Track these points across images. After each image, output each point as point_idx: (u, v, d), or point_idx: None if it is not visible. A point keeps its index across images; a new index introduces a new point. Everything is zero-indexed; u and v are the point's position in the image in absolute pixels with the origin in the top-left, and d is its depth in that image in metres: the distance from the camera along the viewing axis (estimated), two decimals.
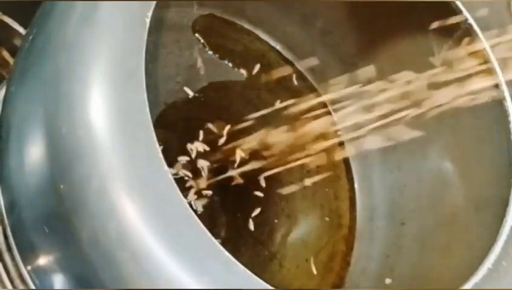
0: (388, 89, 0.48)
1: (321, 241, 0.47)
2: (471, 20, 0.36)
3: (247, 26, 0.50)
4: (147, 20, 0.28)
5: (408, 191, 0.46)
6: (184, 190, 0.44)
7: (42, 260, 0.27)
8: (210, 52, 0.48)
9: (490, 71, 0.36)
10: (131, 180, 0.25)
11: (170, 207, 0.26)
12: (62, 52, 0.28)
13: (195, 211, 0.43)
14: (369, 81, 0.49)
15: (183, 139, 0.45)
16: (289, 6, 0.48)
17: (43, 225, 0.27)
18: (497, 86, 0.36)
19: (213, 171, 0.46)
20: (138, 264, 0.25)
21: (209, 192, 0.45)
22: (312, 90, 0.51)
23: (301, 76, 0.51)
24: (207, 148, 0.45)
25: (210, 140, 0.46)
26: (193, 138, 0.46)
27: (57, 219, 0.26)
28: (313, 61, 0.51)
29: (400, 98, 0.47)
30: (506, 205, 0.34)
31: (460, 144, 0.42)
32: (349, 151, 0.51)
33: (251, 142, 0.47)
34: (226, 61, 0.49)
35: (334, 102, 0.51)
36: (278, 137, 0.48)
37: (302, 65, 0.51)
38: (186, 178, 0.44)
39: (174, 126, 0.45)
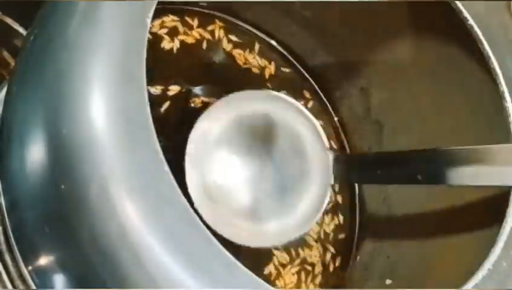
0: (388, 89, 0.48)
1: (321, 242, 0.47)
2: (471, 21, 0.36)
3: (247, 27, 0.50)
4: (148, 21, 0.28)
5: (408, 191, 0.46)
6: None
7: (43, 260, 0.27)
8: (210, 53, 0.49)
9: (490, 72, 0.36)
10: (131, 181, 0.25)
11: (171, 207, 0.26)
12: (63, 53, 0.28)
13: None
14: (370, 82, 0.49)
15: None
16: (290, 7, 0.48)
17: (44, 225, 0.27)
18: (497, 86, 0.36)
19: None
20: (139, 265, 0.25)
21: None
22: (313, 90, 0.51)
23: (302, 77, 0.51)
24: None
25: None
26: None
27: (58, 219, 0.26)
28: (314, 62, 0.51)
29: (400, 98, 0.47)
30: (506, 205, 0.34)
31: (460, 144, 0.42)
32: (348, 150, 0.51)
33: None
34: (226, 62, 0.49)
35: (335, 102, 0.51)
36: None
37: (303, 66, 0.51)
38: None
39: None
